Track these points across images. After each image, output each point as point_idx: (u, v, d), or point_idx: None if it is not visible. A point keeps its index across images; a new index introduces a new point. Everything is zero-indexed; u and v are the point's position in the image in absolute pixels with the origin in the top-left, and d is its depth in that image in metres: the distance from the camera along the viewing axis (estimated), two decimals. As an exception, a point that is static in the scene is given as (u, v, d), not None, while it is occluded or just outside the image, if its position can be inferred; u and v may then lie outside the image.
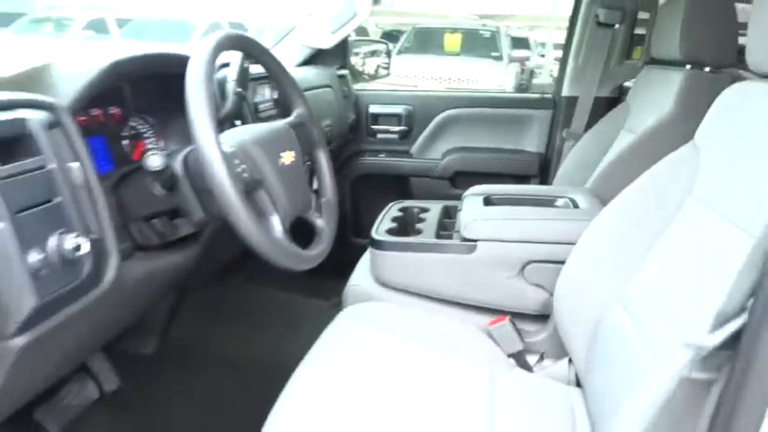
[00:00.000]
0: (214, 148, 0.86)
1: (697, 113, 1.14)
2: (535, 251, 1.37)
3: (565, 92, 2.28)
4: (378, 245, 1.45)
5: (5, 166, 0.71)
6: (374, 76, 2.95)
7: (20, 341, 0.74)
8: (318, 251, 1.10)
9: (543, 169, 2.32)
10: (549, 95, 2.36)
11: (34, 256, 0.72)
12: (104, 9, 10.29)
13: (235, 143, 0.97)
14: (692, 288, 0.94)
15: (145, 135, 1.26)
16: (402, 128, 2.41)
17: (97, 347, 1.16)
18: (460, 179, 2.37)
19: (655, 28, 1.80)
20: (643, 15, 2.24)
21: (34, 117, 0.77)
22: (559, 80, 2.33)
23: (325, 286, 1.96)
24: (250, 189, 0.96)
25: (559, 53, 2.42)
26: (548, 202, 1.58)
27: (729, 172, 1.00)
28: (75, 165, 0.82)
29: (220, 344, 1.72)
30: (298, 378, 1.08)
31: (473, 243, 1.39)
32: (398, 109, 2.40)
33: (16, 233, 0.70)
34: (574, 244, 1.28)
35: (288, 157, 1.06)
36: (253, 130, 1.04)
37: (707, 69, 1.66)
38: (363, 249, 1.64)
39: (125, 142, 1.19)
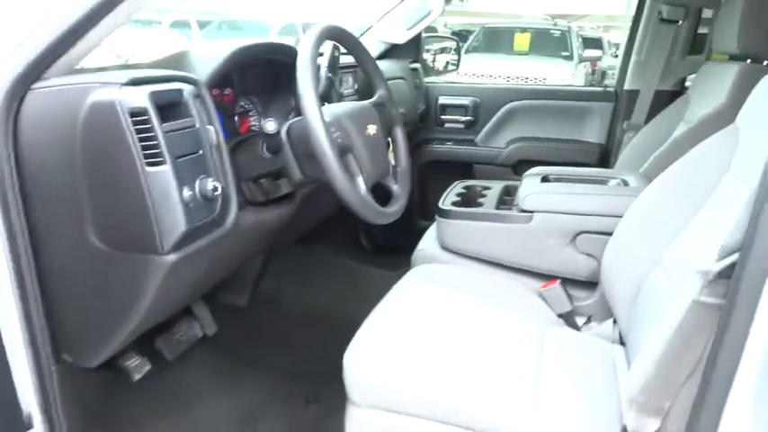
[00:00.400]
0: (318, 117, 1.07)
1: (746, 106, 1.27)
2: (586, 222, 1.52)
3: (627, 85, 2.39)
4: (444, 214, 1.64)
5: (167, 123, 0.95)
6: (443, 72, 3.14)
7: (171, 258, 0.97)
8: (394, 209, 1.30)
9: (603, 159, 2.44)
10: (612, 89, 2.48)
11: (186, 193, 0.95)
12: (187, 11, 10.89)
13: (331, 115, 1.18)
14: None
15: (250, 113, 1.50)
16: (468, 118, 2.58)
17: (215, 281, 1.39)
18: (522, 167, 2.51)
19: (716, 24, 1.90)
20: (707, 13, 2.32)
21: (186, 88, 1.01)
22: (621, 73, 2.44)
23: (391, 261, 2.18)
24: (342, 153, 1.17)
25: None
26: (601, 182, 1.72)
27: (764, 149, 1.12)
28: (211, 128, 1.06)
29: (302, 299, 1.96)
30: (373, 318, 1.28)
31: (530, 214, 1.56)
32: (465, 100, 2.58)
33: (175, 174, 0.94)
34: (621, 217, 1.43)
35: (372, 129, 1.27)
36: (345, 106, 1.26)
37: (765, 63, 1.75)
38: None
39: (235, 118, 1.43)
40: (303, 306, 1.94)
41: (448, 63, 3.19)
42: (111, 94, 0.90)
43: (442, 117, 2.59)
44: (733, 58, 1.85)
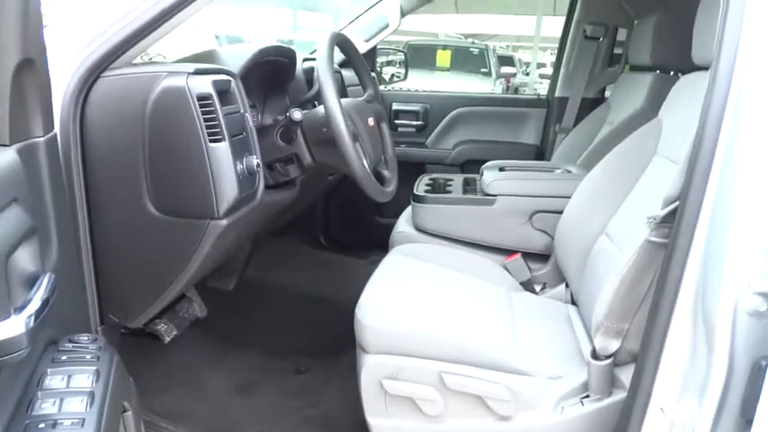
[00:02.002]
0: (339, 109, 1.28)
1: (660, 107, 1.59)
2: (540, 203, 1.80)
3: (557, 93, 2.74)
4: (419, 199, 1.88)
5: (225, 107, 1.12)
6: (390, 82, 3.39)
7: (224, 222, 1.14)
8: (390, 190, 1.52)
9: (539, 158, 2.77)
10: (544, 96, 2.82)
11: (238, 166, 1.13)
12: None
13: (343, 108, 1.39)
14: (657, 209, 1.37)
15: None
16: (419, 123, 2.84)
17: (229, 255, 1.54)
18: (469, 166, 2.80)
19: (631, 41, 2.26)
20: (622, 32, 2.70)
21: (232, 80, 1.19)
22: (552, 83, 2.79)
23: (360, 253, 2.41)
24: (353, 140, 1.37)
25: (543, 71, 2.86)
26: (549, 170, 2.02)
27: (681, 132, 1.43)
28: (247, 114, 1.24)
29: (285, 283, 2.13)
30: (373, 282, 1.49)
31: (493, 197, 1.82)
32: (416, 107, 2.84)
33: (231, 149, 1.11)
34: (569, 198, 1.72)
35: (371, 121, 1.48)
36: (350, 101, 1.47)
37: (671, 73, 2.12)
38: (387, 227, 2.05)
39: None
40: (285, 289, 2.10)
41: (393, 75, 3.46)
42: (180, 81, 1.06)
43: (396, 122, 2.83)
44: (644, 68, 2.20)
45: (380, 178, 1.56)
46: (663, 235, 1.10)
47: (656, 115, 1.62)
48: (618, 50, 2.74)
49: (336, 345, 1.71)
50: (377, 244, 2.25)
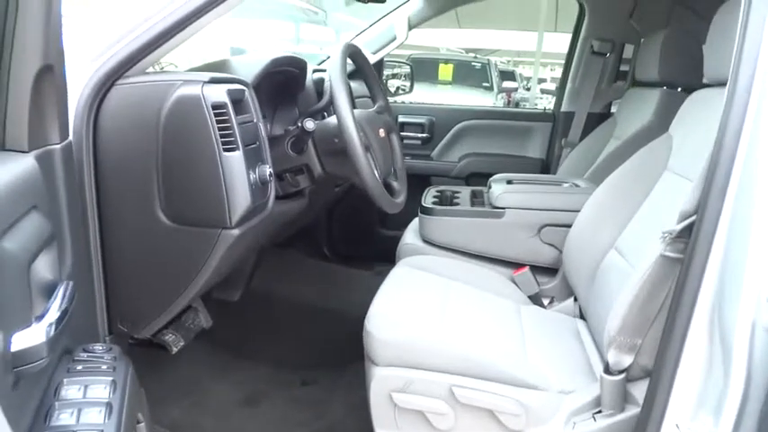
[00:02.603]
0: (351, 120, 1.28)
1: (669, 123, 1.59)
2: (549, 217, 1.80)
3: (564, 107, 2.74)
4: (426, 211, 1.87)
5: (238, 116, 1.12)
6: (395, 95, 3.41)
7: (236, 232, 1.14)
8: (399, 201, 1.51)
9: (544, 172, 2.77)
10: (550, 111, 2.83)
11: (251, 175, 1.13)
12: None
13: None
14: (667, 224, 1.37)
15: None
16: (425, 135, 2.84)
17: (245, 258, 1.53)
18: (474, 179, 2.80)
19: (638, 57, 2.27)
20: (629, 48, 2.72)
21: (246, 89, 1.19)
22: (559, 98, 2.80)
23: (364, 264, 2.40)
24: (365, 152, 1.37)
25: (544, 86, 2.87)
26: (557, 184, 2.02)
27: (692, 148, 1.43)
28: (260, 123, 1.23)
29: (290, 295, 2.11)
30: (381, 294, 1.47)
31: (501, 210, 1.82)
32: (422, 119, 2.84)
33: (245, 159, 1.11)
34: (578, 211, 1.71)
35: (382, 132, 1.48)
36: (362, 112, 1.47)
37: (679, 90, 2.12)
38: (391, 239, 2.05)
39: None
40: (289, 301, 2.09)
41: (398, 88, 3.47)
42: (196, 90, 1.06)
43: (402, 134, 2.84)
44: (651, 84, 2.21)
45: (390, 189, 1.55)
46: (678, 250, 1.09)
47: (664, 131, 1.62)
48: (624, 67, 2.75)
49: (342, 356, 1.71)
50: (381, 256, 2.24)
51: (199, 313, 1.79)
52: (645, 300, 1.16)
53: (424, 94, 8.33)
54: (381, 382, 1.30)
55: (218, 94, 1.08)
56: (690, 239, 1.05)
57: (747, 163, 0.97)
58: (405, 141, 2.84)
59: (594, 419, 1.23)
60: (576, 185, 1.97)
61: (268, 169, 1.17)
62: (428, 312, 1.41)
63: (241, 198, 1.11)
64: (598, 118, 2.64)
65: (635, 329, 1.18)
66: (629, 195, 1.57)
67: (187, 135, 1.07)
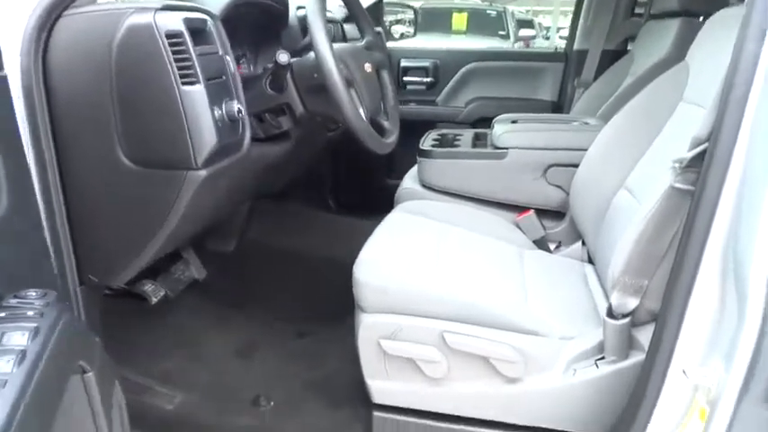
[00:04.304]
0: (329, 51, 1.17)
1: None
2: (555, 156, 1.68)
3: (576, 46, 2.58)
4: (425, 154, 1.77)
5: (198, 47, 1.02)
6: (399, 39, 3.25)
7: (203, 173, 1.05)
8: (390, 141, 1.41)
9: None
10: (562, 50, 2.66)
11: (216, 111, 1.03)
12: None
13: (335, 51, 1.28)
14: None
15: (240, 60, 1.57)
16: (429, 79, 2.71)
17: (227, 212, 1.46)
18: (481, 125, 2.66)
19: (656, -15, 2.10)
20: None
21: (209, 19, 1.08)
22: (571, 36, 2.63)
23: (369, 215, 2.29)
24: (347, 86, 1.27)
25: (564, 33, 2.68)
26: (565, 122, 1.89)
27: (711, 74, 1.30)
28: (228, 57, 1.13)
29: (286, 245, 2.05)
30: (373, 239, 1.39)
31: (504, 150, 1.71)
32: (426, 63, 2.70)
33: (207, 93, 1.01)
34: (586, 150, 1.59)
35: (368, 67, 1.37)
36: (345, 45, 1.35)
37: (701, 19, 1.96)
38: (396, 188, 1.95)
39: (231, 63, 1.50)
40: (288, 252, 2.02)
41: (403, 34, 3.31)
42: (147, 18, 0.96)
43: (404, 79, 2.70)
44: (670, 14, 2.04)
45: (380, 129, 1.45)
46: (689, 181, 0.98)
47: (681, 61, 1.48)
48: (640, 10, 2.57)
49: (340, 308, 1.63)
50: (388, 206, 2.15)
51: (190, 264, 1.74)
52: (652, 237, 1.05)
53: (438, 44, 8.10)
54: (369, 329, 1.23)
55: (173, 21, 0.98)
56: (701, 169, 0.94)
57: (767, 85, 0.85)
58: (408, 87, 2.72)
59: (597, 366, 1.15)
60: (587, 123, 1.85)
61: (236, 105, 1.07)
62: (420, 256, 1.33)
63: (206, 136, 1.02)
64: (613, 56, 2.47)
65: (641, 269, 1.08)
66: (641, 130, 1.45)
67: (141, 68, 0.98)
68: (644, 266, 1.07)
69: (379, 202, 2.35)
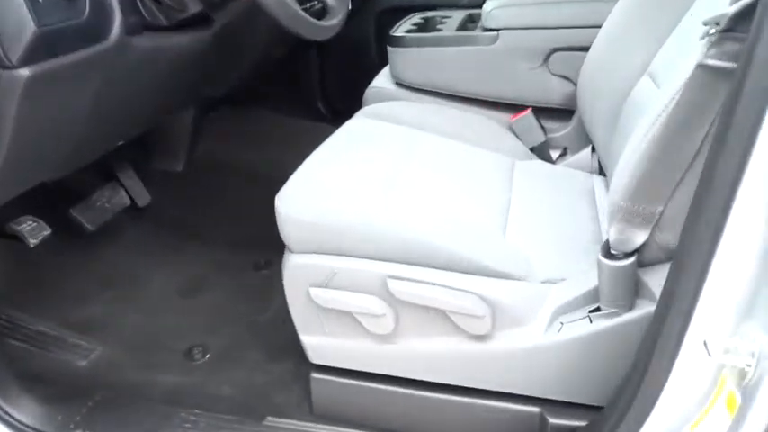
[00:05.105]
0: None
1: None
2: (559, 37, 1.30)
3: None
4: (396, 42, 1.41)
5: None
6: None
7: (25, 72, 0.75)
8: (332, 23, 1.08)
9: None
10: None
11: (32, -19, 0.71)
12: None
13: None
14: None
15: None
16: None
17: (121, 127, 1.17)
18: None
19: None
20: None
21: None
22: None
23: (338, 115, 1.95)
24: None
25: None
26: (576, -7, 1.48)
27: None
28: None
29: (245, 162, 1.75)
30: (312, 159, 1.09)
31: (495, 33, 1.33)
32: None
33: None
34: (599, 27, 1.22)
35: None
36: None
37: None
38: None
39: None
40: (247, 170, 1.72)
41: None
42: None
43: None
44: None
45: (317, 10, 1.10)
46: (728, 55, 0.63)
47: None
48: None
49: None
50: None
51: (120, 189, 1.48)
52: (669, 143, 0.72)
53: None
54: (297, 274, 0.96)
55: None
56: (749, 35, 0.59)
57: None
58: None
59: (590, 320, 0.85)
60: (604, -7, 1.44)
61: None
62: (370, 177, 1.02)
63: (14, 19, 0.71)
64: None
65: (653, 190, 0.75)
66: (668, 3, 1.07)
67: None
68: (657, 185, 0.74)
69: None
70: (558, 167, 1.28)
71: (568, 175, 1.23)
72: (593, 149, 1.27)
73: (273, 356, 1.18)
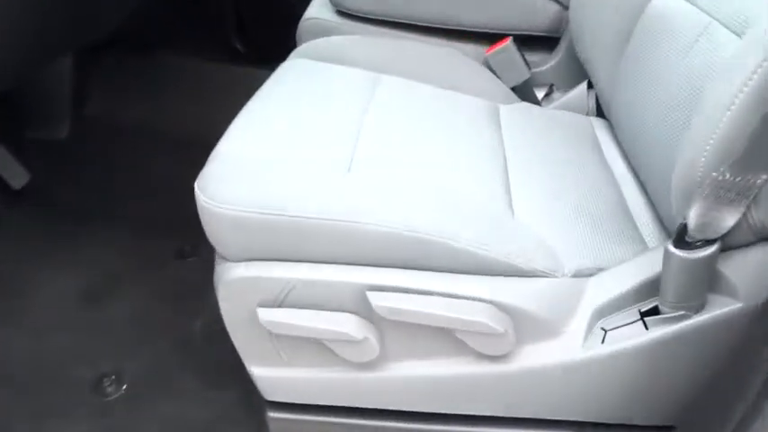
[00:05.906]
0: None
1: None
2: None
3: None
4: (334, -43, 1.10)
5: None
6: None
7: None
8: None
9: None
10: None
11: None
12: None
13: None
14: None
15: None
16: None
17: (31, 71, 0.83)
18: None
19: None
20: None
21: None
22: None
23: (262, 53, 1.61)
24: None
25: None
26: None
27: None
28: None
29: (152, 122, 1.40)
30: (236, 124, 0.79)
31: (462, -61, 1.04)
32: None
33: None
34: None
35: None
36: None
37: None
38: None
39: None
40: (151, 130, 1.38)
41: None
42: None
43: None
44: None
45: None
46: None
47: None
48: None
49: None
50: None
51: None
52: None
53: None
54: (236, 290, 0.68)
55: None
56: None
57: None
58: None
59: (646, 326, 0.63)
60: None
61: None
62: (324, 145, 0.74)
63: None
64: None
65: (752, 155, 0.52)
66: None
67: None
68: (761, 147, 0.51)
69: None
70: (549, 111, 1.03)
71: (566, 122, 0.99)
72: (590, 85, 1.03)
73: (214, 381, 0.91)
